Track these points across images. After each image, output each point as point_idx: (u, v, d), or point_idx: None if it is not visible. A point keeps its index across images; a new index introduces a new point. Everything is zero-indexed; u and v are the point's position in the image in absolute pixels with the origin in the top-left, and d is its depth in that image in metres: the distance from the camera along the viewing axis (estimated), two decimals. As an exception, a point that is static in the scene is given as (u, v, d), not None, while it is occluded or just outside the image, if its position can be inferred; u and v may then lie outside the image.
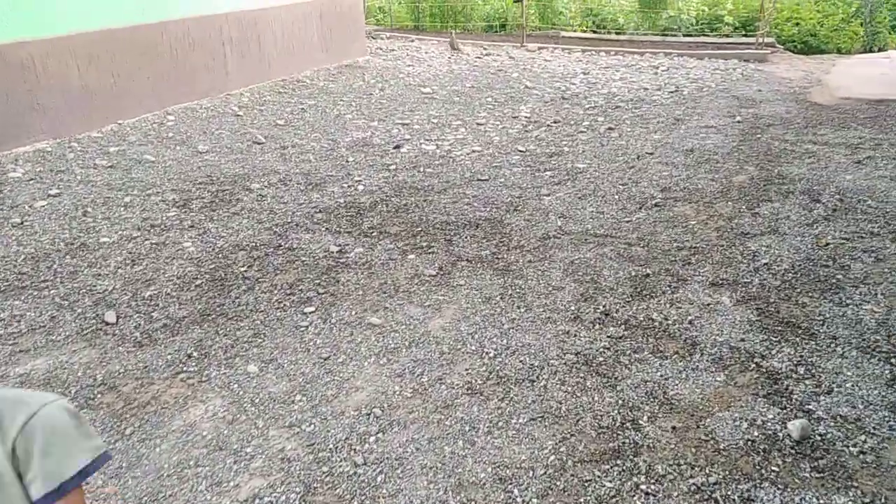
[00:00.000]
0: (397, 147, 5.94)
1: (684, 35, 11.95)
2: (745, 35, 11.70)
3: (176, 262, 3.87)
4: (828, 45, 11.51)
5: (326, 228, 4.29)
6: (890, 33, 12.15)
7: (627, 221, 4.33)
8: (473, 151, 5.84)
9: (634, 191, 4.84)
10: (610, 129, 6.40)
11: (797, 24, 11.87)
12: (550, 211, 4.53)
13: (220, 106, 7.12)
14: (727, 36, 11.69)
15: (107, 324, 3.25)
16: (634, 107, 7.23)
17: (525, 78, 8.79)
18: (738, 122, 6.53)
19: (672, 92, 7.87)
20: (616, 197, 4.74)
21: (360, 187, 5.00)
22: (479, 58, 10.31)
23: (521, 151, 5.82)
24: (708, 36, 11.86)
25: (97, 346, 3.07)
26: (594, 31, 12.60)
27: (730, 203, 4.55)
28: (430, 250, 3.96)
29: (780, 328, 3.09)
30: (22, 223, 4.36)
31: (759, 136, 6.07)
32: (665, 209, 4.50)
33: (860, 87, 7.82)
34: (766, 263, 3.69)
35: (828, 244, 3.89)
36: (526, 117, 6.92)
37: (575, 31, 12.59)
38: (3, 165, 5.37)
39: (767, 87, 8.06)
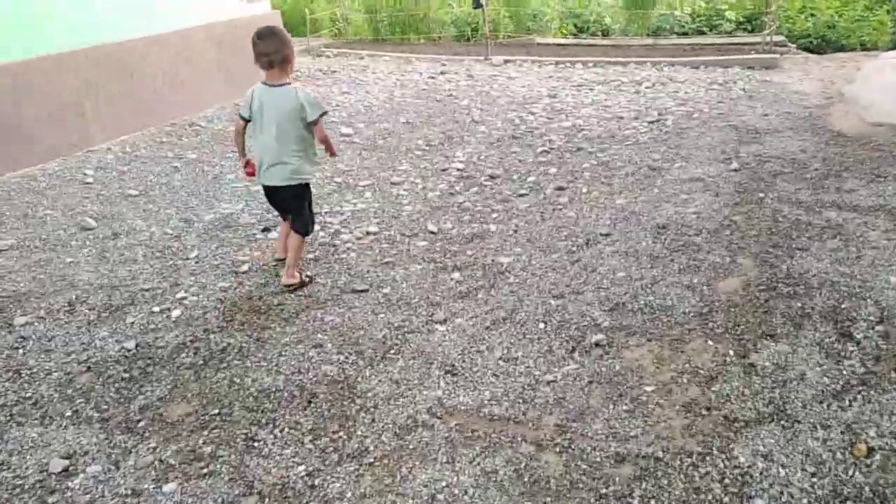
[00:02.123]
0: (266, 230, 4.39)
1: (678, 35, 10.27)
2: (751, 32, 9.99)
3: None
4: (849, 40, 9.77)
5: (75, 412, 2.75)
6: (923, 23, 10.38)
7: (547, 385, 2.74)
8: (368, 234, 4.27)
9: (570, 312, 3.24)
10: (560, 188, 4.79)
11: (811, 15, 10.13)
12: (435, 360, 2.95)
13: (72, 170, 5.60)
14: (728, 34, 9.98)
15: None
16: (600, 148, 5.61)
17: (476, 105, 7.19)
18: (735, 170, 4.89)
19: (653, 122, 6.23)
20: (542, 327, 3.15)
21: (178, 311, 3.46)
22: (433, 77, 8.72)
23: (431, 233, 4.24)
24: (706, 35, 10.16)
25: None
26: (575, 35, 10.95)
27: (710, 342, 2.94)
28: (211, 467, 2.41)
29: None
30: None
31: (761, 195, 4.44)
32: (609, 355, 2.90)
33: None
34: (764, 505, 2.10)
35: (870, 451, 2.28)
36: (458, 169, 5.33)
37: (553, 36, 10.94)
38: None
39: (775, 108, 6.39)
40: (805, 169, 4.82)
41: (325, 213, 4.60)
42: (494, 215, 4.43)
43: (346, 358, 2.99)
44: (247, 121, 3.51)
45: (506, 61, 9.43)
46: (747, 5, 10.34)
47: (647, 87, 7.56)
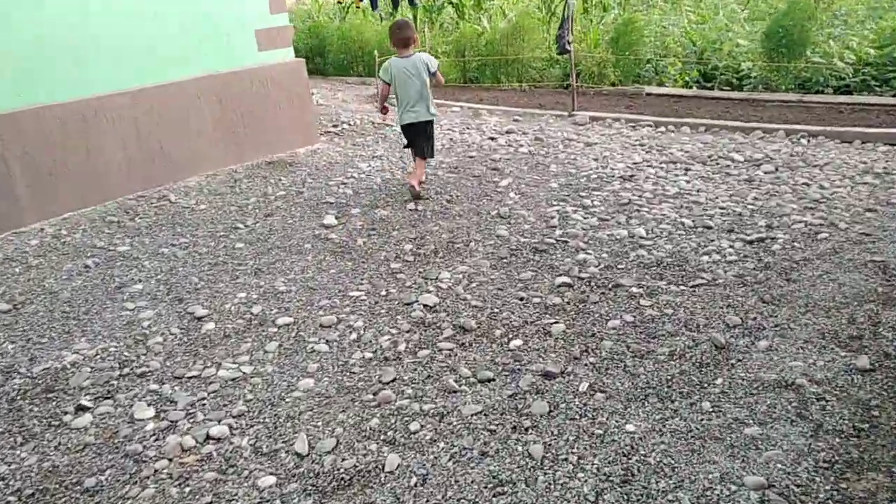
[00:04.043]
0: (81, 409, 2.97)
1: (835, 92, 7.81)
2: (942, 91, 7.35)
3: None
4: None
5: None
6: None
7: None
8: (205, 441, 2.71)
9: None
10: (547, 376, 2.95)
11: None
12: None
13: (-28, 258, 4.56)
14: (908, 94, 7.39)
15: None
16: (651, 289, 3.67)
17: (519, 187, 5.44)
18: (863, 371, 2.80)
19: (754, 241, 4.16)
20: None
21: None
22: (493, 138, 7.04)
23: (297, 455, 2.59)
24: (875, 92, 7.62)
25: None
26: (699, 85, 8.76)
27: None
28: None
29: None
30: None
31: (903, 455, 2.36)
32: None
33: None
34: None
35: None
36: (427, 307, 3.65)
37: (667, 85, 8.83)
38: None
39: (962, 231, 4.07)
40: None
41: (188, 376, 3.10)
42: (414, 427, 2.69)
43: None
44: (388, 84, 5.17)
45: (592, 119, 7.53)
46: (940, 52, 7.66)
47: (766, 172, 5.40)
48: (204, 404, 2.95)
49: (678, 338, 3.18)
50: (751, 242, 4.14)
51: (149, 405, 2.97)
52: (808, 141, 6.19)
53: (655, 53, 9.08)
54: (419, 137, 5.23)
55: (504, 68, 9.86)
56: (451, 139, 7.11)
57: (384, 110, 5.43)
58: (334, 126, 7.90)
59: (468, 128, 7.58)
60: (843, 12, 8.59)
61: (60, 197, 5.19)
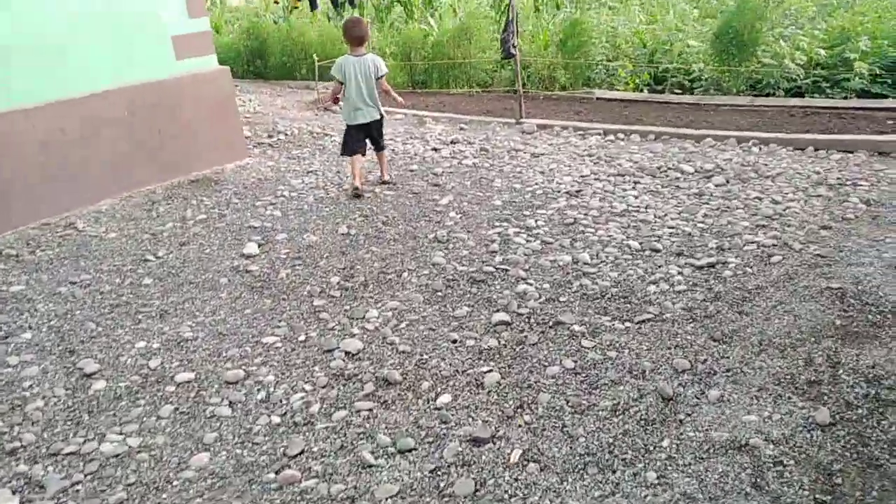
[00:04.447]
0: None
1: (787, 94, 7.65)
2: None
3: None
4: None
5: None
6: None
7: None
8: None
9: None
10: (476, 442, 2.61)
11: None
12: None
13: None
14: (858, 96, 7.26)
15: None
16: (595, 326, 3.35)
17: (460, 206, 5.09)
18: (822, 427, 2.52)
19: (703, 266, 3.88)
20: None
21: None
22: (437, 149, 6.68)
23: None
24: (827, 94, 7.48)
25: None
26: (649, 88, 8.53)
27: None
28: None
29: None
30: None
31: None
32: None
33: None
34: None
35: None
36: (349, 354, 3.28)
37: (618, 88, 8.58)
38: None
39: (919, 251, 3.85)
40: (974, 446, 2.38)
41: (65, 452, 2.68)
42: (317, 517, 2.32)
43: None
44: (342, 83, 5.23)
45: (540, 127, 7.22)
46: (890, 52, 7.53)
47: (717, 185, 5.15)
48: (78, 490, 2.53)
49: (622, 387, 2.87)
50: (700, 268, 3.86)
51: (14, 493, 2.53)
52: (760, 149, 5.98)
53: (605, 55, 8.81)
54: (371, 134, 5.43)
55: (452, 72, 9.51)
56: (392, 150, 6.73)
57: (335, 101, 5.50)
58: (269, 137, 7.44)
59: (412, 137, 7.21)
60: (793, 10, 8.43)
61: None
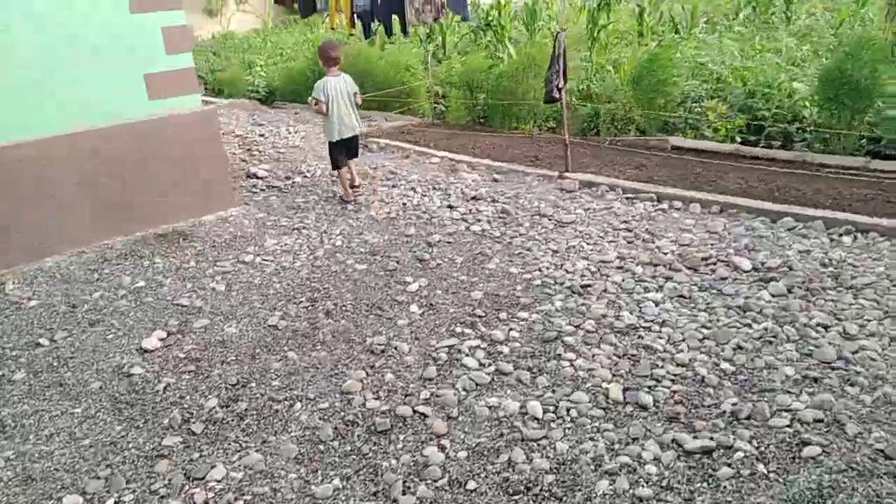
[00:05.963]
0: None
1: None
2: None
3: None
4: None
5: None
6: None
7: None
8: None
9: None
10: None
11: None
12: None
13: None
14: None
15: None
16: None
17: (424, 299, 4.07)
18: None
19: (693, 453, 2.63)
20: None
21: None
22: (451, 207, 5.68)
23: None
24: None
25: None
26: (742, 137, 6.99)
27: None
28: None
29: None
30: None
31: None
32: None
33: None
34: None
35: None
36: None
37: (705, 134, 7.13)
38: None
39: None
40: None
41: None
42: None
43: None
44: (326, 103, 5.66)
45: (583, 185, 6.02)
46: None
47: (773, 295, 3.78)
48: None
49: None
50: (690, 454, 2.62)
51: None
52: (855, 239, 4.48)
53: (689, 97, 7.39)
54: (350, 146, 5.98)
55: (513, 109, 8.41)
56: (403, 205, 5.81)
57: (325, 111, 5.79)
58: (287, 179, 6.76)
59: (434, 188, 6.24)
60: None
61: None
